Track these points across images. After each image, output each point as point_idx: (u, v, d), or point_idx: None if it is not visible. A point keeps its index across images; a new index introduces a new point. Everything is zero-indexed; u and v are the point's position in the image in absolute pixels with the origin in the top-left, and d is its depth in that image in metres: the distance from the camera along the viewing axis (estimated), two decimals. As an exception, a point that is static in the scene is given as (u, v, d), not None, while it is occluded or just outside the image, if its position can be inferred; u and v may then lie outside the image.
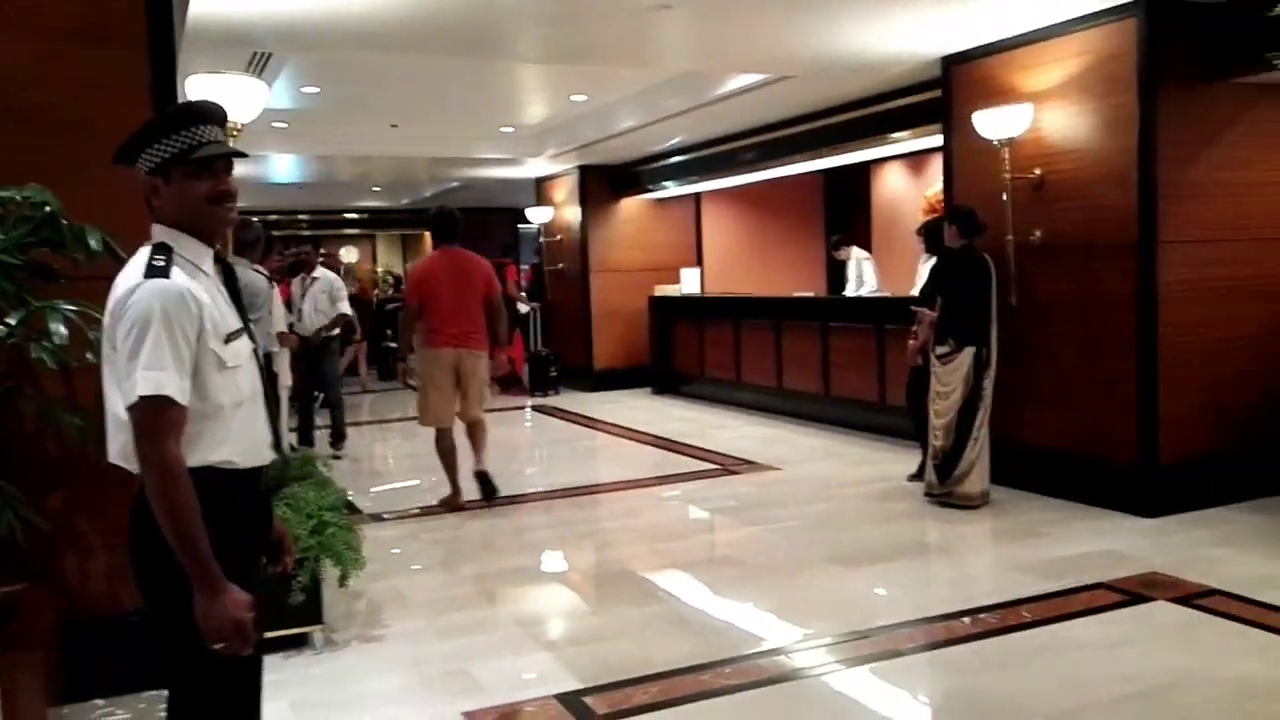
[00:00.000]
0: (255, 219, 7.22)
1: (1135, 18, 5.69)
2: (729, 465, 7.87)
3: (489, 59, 7.43)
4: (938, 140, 7.50)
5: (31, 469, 3.60)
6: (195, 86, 4.35)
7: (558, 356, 13.05)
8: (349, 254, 18.59)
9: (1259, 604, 4.32)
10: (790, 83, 7.97)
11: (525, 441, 10.11)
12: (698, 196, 12.95)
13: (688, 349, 11.83)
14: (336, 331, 8.65)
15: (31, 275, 3.24)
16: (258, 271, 6.05)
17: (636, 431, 9.66)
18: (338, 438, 8.85)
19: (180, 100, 4.20)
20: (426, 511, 6.75)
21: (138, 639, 2.24)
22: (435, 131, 11.10)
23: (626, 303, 12.77)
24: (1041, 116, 6.25)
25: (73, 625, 3.62)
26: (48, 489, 3.65)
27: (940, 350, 6.18)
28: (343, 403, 9.01)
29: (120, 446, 2.18)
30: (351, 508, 5.38)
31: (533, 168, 13.08)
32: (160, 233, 2.24)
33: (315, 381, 8.78)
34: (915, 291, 7.38)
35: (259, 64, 7.18)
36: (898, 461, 7.48)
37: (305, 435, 8.62)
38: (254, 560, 2.39)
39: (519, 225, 18.59)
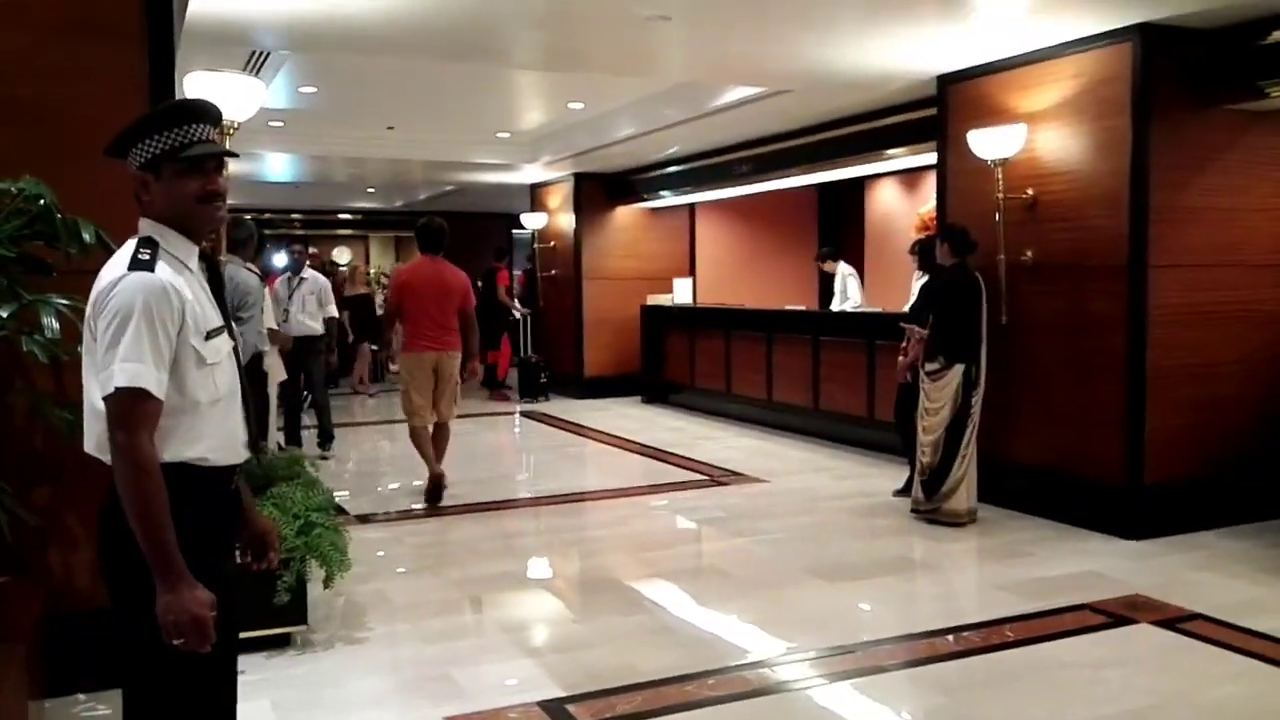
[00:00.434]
0: (248, 217, 7.22)
1: (1130, 43, 5.74)
2: (717, 476, 7.88)
3: (486, 64, 7.43)
4: (932, 158, 7.55)
5: (19, 462, 3.59)
6: (193, 83, 4.35)
7: (548, 363, 13.02)
8: (342, 254, 18.55)
9: (1241, 629, 4.34)
10: (787, 96, 8.00)
11: (514, 447, 10.12)
12: (692, 207, 12.99)
13: (679, 359, 11.84)
14: (322, 332, 8.66)
15: (24, 268, 3.24)
16: (249, 270, 6.06)
17: (626, 440, 9.66)
18: (325, 438, 8.84)
19: (178, 97, 4.23)
20: (413, 515, 6.75)
21: (117, 635, 2.24)
22: (431, 135, 11.10)
23: (618, 311, 12.79)
24: (1035, 137, 6.29)
25: (55, 619, 3.61)
26: (34, 483, 3.64)
27: (930, 367, 6.21)
28: (328, 404, 9.00)
29: (96, 437, 2.18)
30: (338, 509, 5.37)
31: (528, 174, 13.09)
32: (147, 227, 2.24)
33: (305, 382, 8.78)
34: (907, 308, 7.42)
35: (257, 63, 7.17)
36: (885, 476, 7.50)
37: (292, 435, 8.61)
38: (223, 560, 2.36)
39: (513, 231, 18.62)
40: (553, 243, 13.52)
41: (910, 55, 6.49)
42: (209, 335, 2.23)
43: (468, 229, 18.39)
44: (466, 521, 6.57)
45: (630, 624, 4.61)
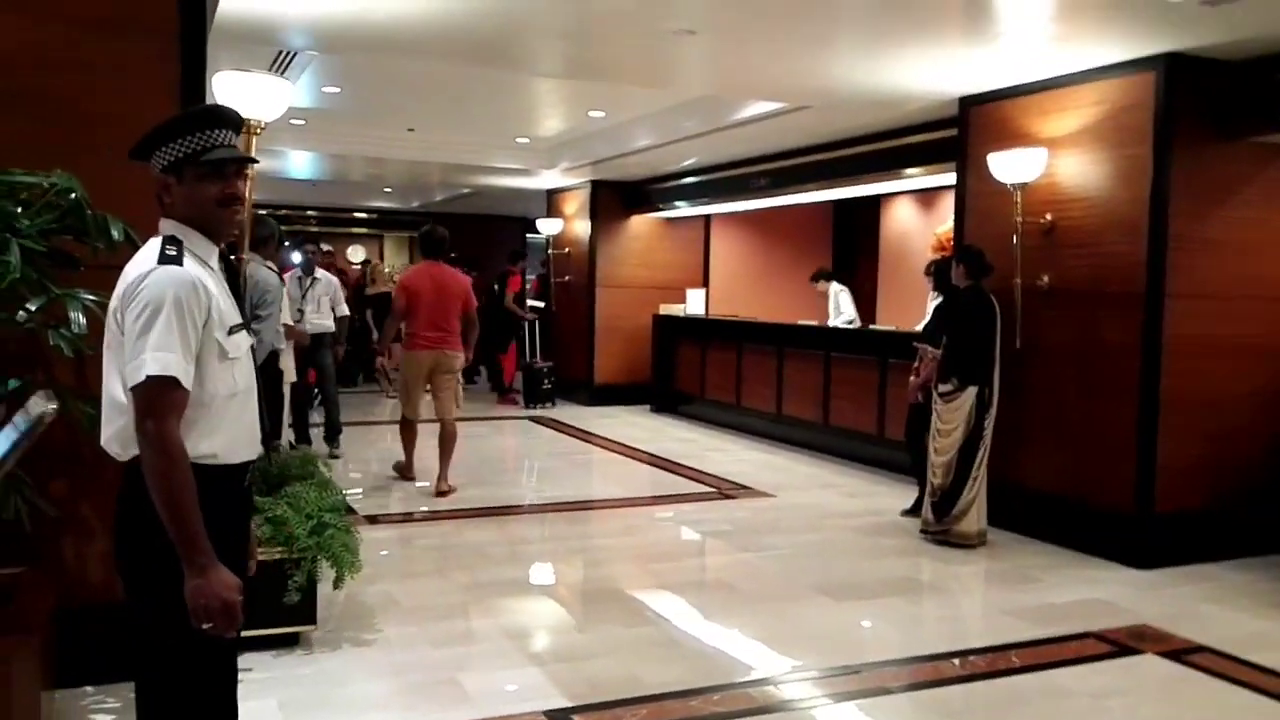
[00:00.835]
0: (266, 213, 7.27)
1: (1154, 72, 5.74)
2: (725, 489, 7.88)
3: (510, 71, 7.48)
4: (949, 178, 7.55)
5: (37, 454, 3.60)
6: (221, 82, 4.37)
7: (553, 369, 12.92)
8: (356, 253, 18.62)
9: (1248, 664, 4.33)
10: (806, 112, 8.02)
11: (523, 452, 10.12)
12: (707, 218, 13.01)
13: (689, 369, 11.85)
14: (333, 330, 8.75)
15: (53, 263, 3.27)
16: (269, 268, 6.09)
17: (634, 449, 9.67)
18: (332, 433, 8.86)
19: (208, 95, 4.26)
20: (421, 516, 6.77)
21: (132, 626, 2.27)
22: (451, 138, 11.14)
23: (630, 319, 12.81)
24: (1055, 162, 6.30)
25: (67, 611, 3.63)
26: (52, 475, 3.67)
27: (943, 388, 6.21)
28: (338, 399, 9.04)
29: (117, 430, 2.22)
30: (348, 509, 5.39)
31: (545, 179, 13.12)
32: (170, 226, 2.30)
33: (317, 378, 8.83)
34: (920, 328, 7.43)
35: (284, 62, 7.22)
36: (893, 495, 7.50)
37: (301, 433, 8.64)
38: (240, 552, 2.40)
39: (527, 234, 18.66)
40: (567, 249, 13.54)
41: (933, 76, 6.50)
42: (231, 330, 2.30)
43: (482, 231, 18.51)
44: (474, 525, 6.59)
45: (636, 635, 4.62)
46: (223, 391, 2.27)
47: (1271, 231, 6.09)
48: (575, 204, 13.43)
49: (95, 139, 3.63)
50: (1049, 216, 6.34)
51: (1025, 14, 5.17)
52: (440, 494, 7.29)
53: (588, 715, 3.68)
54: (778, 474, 8.52)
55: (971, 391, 6.11)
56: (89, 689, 3.71)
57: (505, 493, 7.82)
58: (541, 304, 13.80)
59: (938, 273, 7.01)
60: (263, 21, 5.64)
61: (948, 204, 10.27)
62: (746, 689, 3.99)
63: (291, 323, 7.19)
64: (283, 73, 7.16)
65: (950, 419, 6.16)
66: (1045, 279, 6.34)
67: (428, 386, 7.43)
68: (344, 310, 8.91)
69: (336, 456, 8.55)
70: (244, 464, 2.37)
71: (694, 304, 12.22)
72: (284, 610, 4.04)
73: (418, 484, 7.64)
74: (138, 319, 2.14)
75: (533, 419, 11.74)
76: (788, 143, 9.58)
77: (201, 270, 2.26)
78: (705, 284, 12.90)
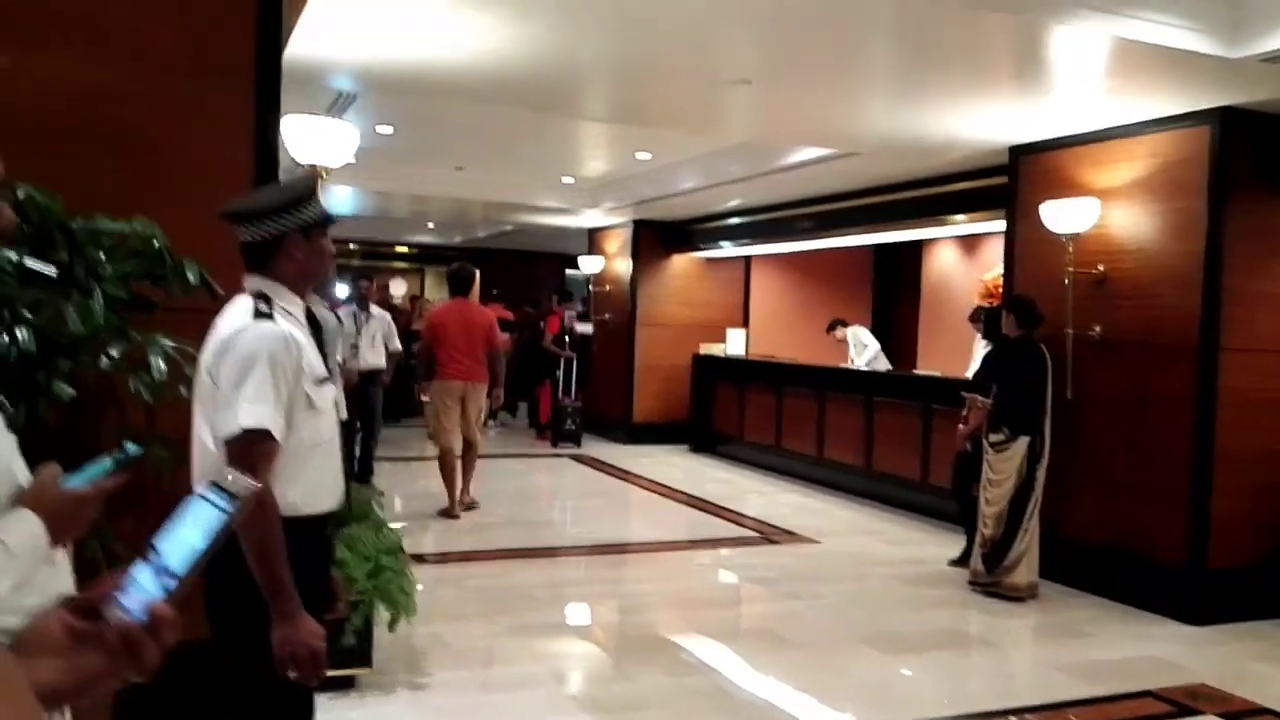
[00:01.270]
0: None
1: (1209, 126, 5.74)
2: (768, 534, 7.85)
3: (560, 116, 7.58)
4: (995, 225, 7.54)
5: (110, 496, 3.67)
6: (291, 127, 4.47)
7: (578, 410, 12.61)
8: (398, 286, 18.80)
9: (1310, 728, 4.26)
10: (853, 158, 8.06)
11: (563, 491, 10.10)
12: (748, 259, 13.04)
13: (728, 410, 11.84)
14: (384, 367, 8.86)
15: (130, 307, 3.34)
16: (326, 308, 6.18)
17: (674, 490, 9.65)
18: (365, 470, 8.91)
19: (279, 138, 4.35)
20: (464, 556, 6.79)
21: (192, 668, 2.30)
22: (499, 177, 11.27)
23: (669, 358, 12.82)
24: (1108, 213, 6.28)
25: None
26: (119, 514, 3.72)
27: (994, 438, 6.18)
28: (379, 435, 9.13)
29: (207, 474, 2.27)
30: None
31: (587, 218, 13.22)
32: (259, 283, 2.37)
33: (362, 412, 8.91)
34: (968, 374, 7.40)
35: (343, 105, 7.35)
36: (938, 544, 7.44)
37: (363, 469, 8.74)
38: (322, 600, 2.44)
39: (566, 270, 18.77)
40: (608, 287, 13.62)
41: (984, 125, 6.52)
42: (320, 382, 2.36)
43: (521, 268, 18.65)
44: (519, 567, 6.60)
45: (684, 685, 4.60)
46: (308, 441, 2.33)
47: (1329, 286, 6.04)
48: (617, 243, 13.52)
49: (173, 181, 3.72)
50: (1101, 267, 6.32)
51: (1079, 70, 5.20)
52: (466, 508, 7.93)
53: (642, 766, 3.67)
54: (819, 518, 8.48)
55: (1023, 442, 6.07)
56: (149, 727, 3.74)
57: (548, 533, 7.85)
58: (590, 328, 13.53)
59: (988, 321, 6.99)
60: (324, 65, 5.74)
61: (991, 248, 10.27)
62: (800, 743, 3.97)
63: (342, 360, 7.28)
64: (341, 114, 7.29)
65: (1002, 469, 6.12)
66: (1097, 329, 6.31)
67: (457, 415, 7.81)
68: (396, 346, 9.04)
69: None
70: (326, 514, 2.42)
71: (734, 344, 12.23)
72: (340, 653, 4.06)
73: (465, 519, 7.72)
74: (232, 372, 2.22)
75: (572, 457, 11.75)
76: (833, 186, 9.61)
77: (291, 325, 2.34)
78: (745, 324, 12.91)
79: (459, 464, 7.93)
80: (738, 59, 5.41)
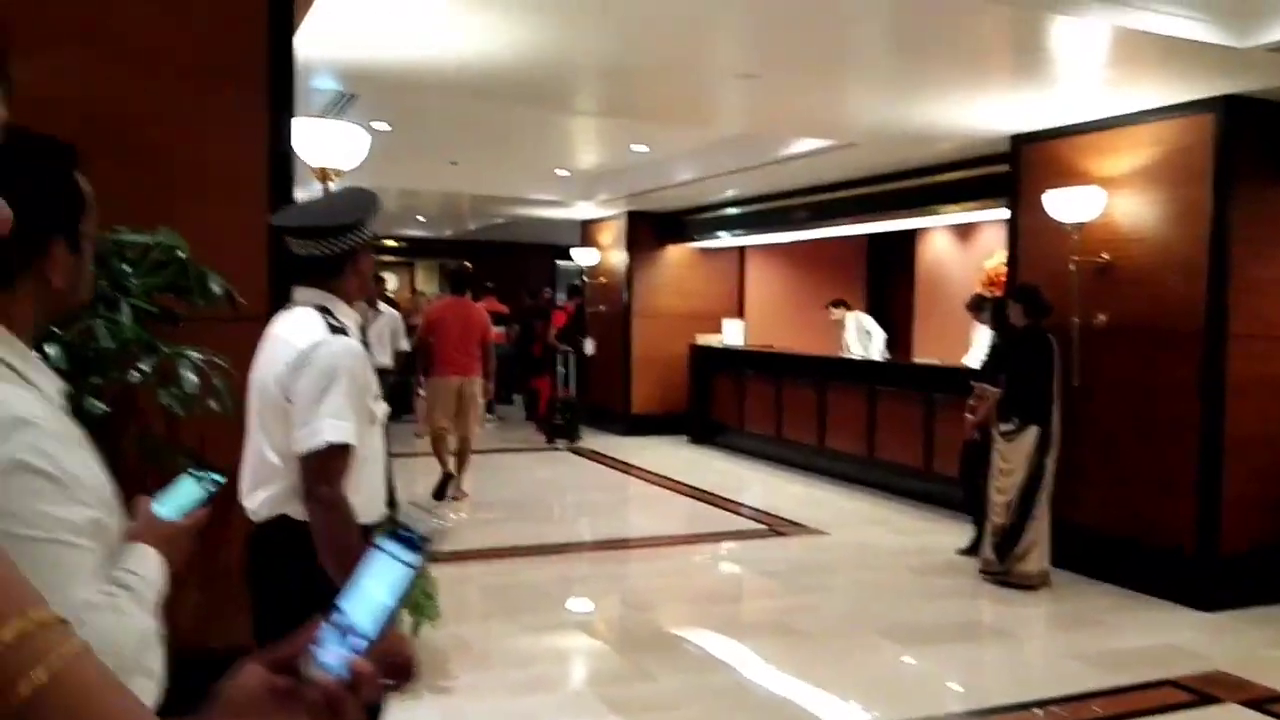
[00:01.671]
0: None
1: (1213, 114, 5.75)
2: (775, 525, 7.86)
3: (554, 111, 7.55)
4: (993, 214, 7.54)
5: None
6: (300, 130, 4.42)
7: (570, 404, 12.45)
8: (389, 281, 18.68)
9: (1330, 713, 4.30)
10: (851, 149, 8.05)
11: (564, 485, 10.07)
12: (742, 249, 13.02)
13: (727, 400, 11.84)
14: (392, 366, 8.86)
15: (156, 319, 3.30)
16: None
17: (677, 482, 9.65)
18: None
19: (290, 144, 4.31)
20: (477, 554, 6.77)
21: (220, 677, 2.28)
22: (492, 170, 11.20)
23: (666, 349, 12.80)
24: (1112, 201, 6.30)
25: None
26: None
27: (1004, 428, 6.20)
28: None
29: (274, 493, 2.28)
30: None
31: (581, 210, 13.17)
32: (317, 296, 2.35)
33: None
34: (966, 361, 7.41)
35: (341, 105, 7.29)
36: (946, 532, 7.47)
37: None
38: None
39: (557, 261, 18.72)
40: (602, 279, 13.58)
41: (986, 115, 6.51)
42: (376, 396, 2.40)
43: (512, 260, 18.58)
44: (530, 564, 6.59)
45: (706, 683, 4.61)
46: (367, 454, 2.34)
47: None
48: (611, 234, 13.48)
49: (190, 189, 3.68)
50: (1105, 255, 6.34)
51: (1082, 61, 5.20)
52: (456, 499, 8.19)
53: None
54: (823, 509, 8.49)
55: (1033, 431, 6.09)
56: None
57: (556, 529, 7.85)
58: (592, 348, 12.94)
59: (995, 310, 6.99)
60: (323, 65, 5.68)
61: (986, 236, 10.30)
62: (829, 740, 3.98)
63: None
64: (340, 113, 7.23)
65: (1011, 458, 6.14)
66: (1103, 317, 6.34)
67: (453, 411, 8.00)
68: (404, 345, 9.06)
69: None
70: (371, 526, 2.41)
71: (731, 334, 12.21)
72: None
73: (479, 515, 7.80)
74: (312, 386, 2.21)
75: (572, 450, 11.73)
76: (829, 176, 9.60)
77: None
78: (741, 314, 12.90)
79: (449, 439, 8.19)
80: (737, 51, 5.38)
